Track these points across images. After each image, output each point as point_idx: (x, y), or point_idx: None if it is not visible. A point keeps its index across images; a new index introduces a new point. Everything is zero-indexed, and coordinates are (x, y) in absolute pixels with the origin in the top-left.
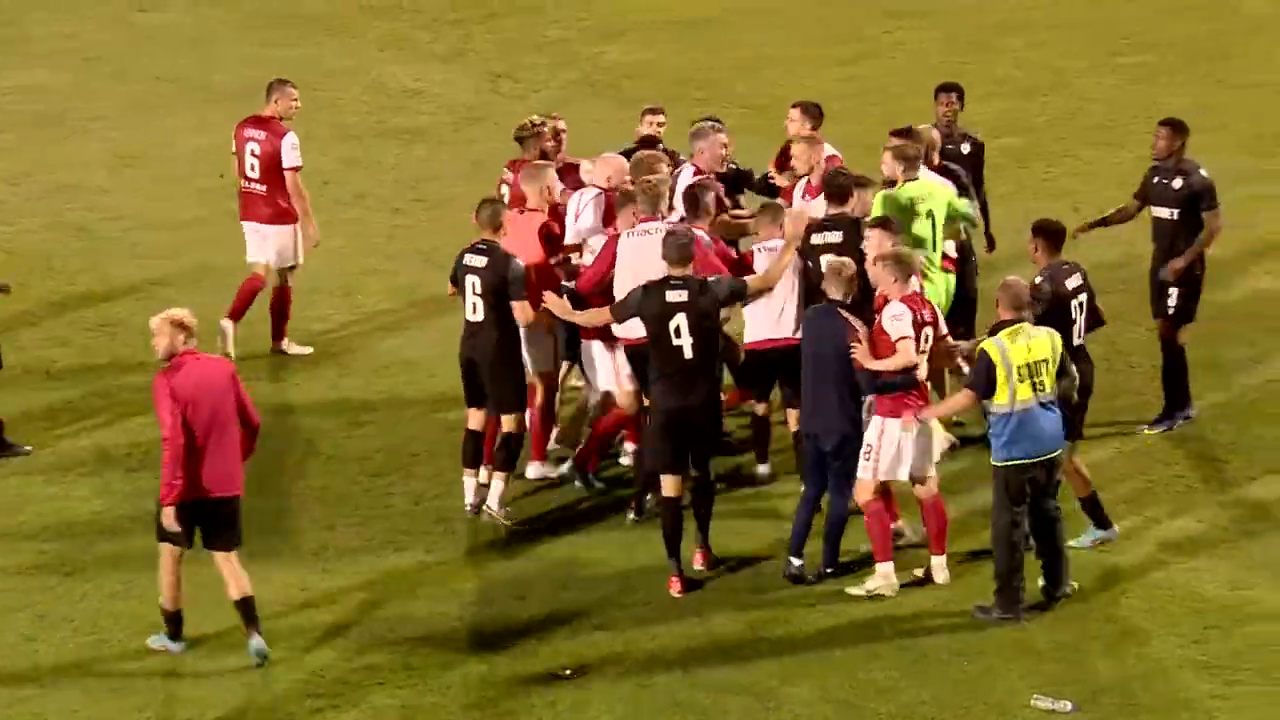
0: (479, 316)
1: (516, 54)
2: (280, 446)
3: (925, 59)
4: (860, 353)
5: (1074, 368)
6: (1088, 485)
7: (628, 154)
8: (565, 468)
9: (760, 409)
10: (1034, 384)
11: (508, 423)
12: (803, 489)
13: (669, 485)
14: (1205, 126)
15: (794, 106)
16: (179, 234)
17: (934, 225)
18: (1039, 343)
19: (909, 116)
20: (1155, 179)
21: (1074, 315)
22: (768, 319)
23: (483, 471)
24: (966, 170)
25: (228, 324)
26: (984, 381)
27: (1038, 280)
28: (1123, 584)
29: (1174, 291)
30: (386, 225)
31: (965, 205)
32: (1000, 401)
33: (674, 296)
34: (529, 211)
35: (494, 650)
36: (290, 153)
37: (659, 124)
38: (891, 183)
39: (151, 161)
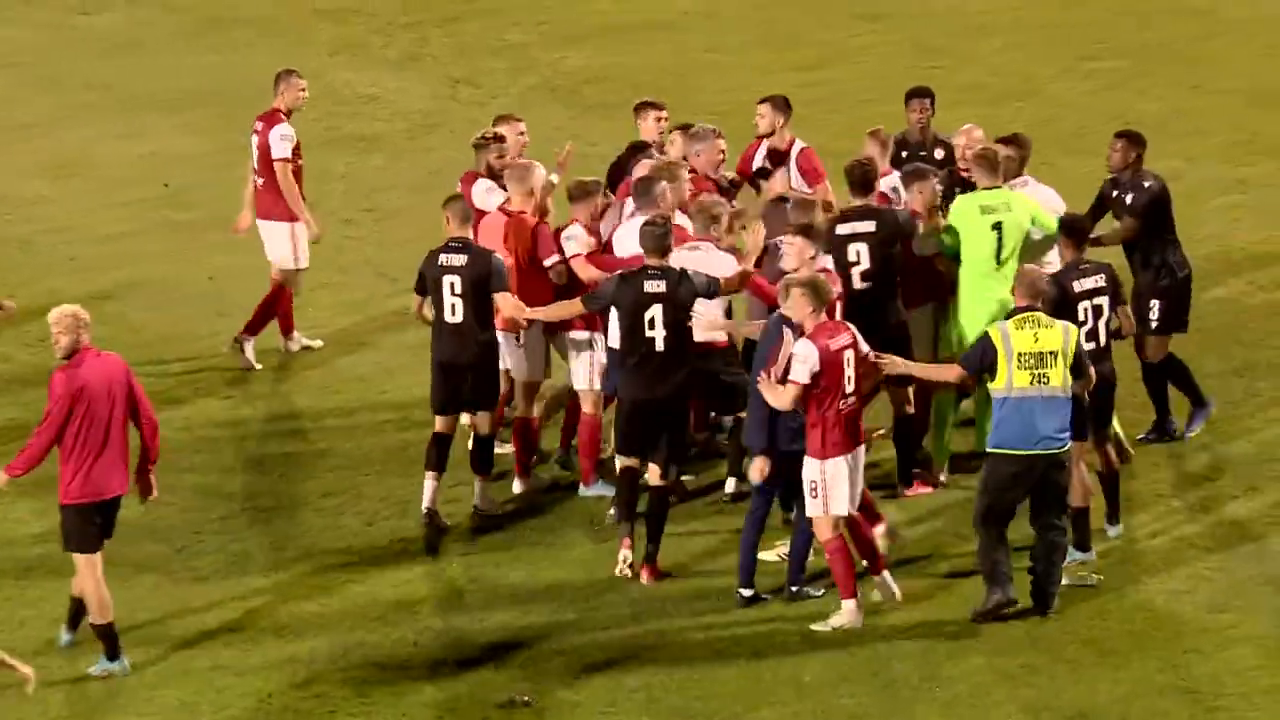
0: (458, 318)
1: (474, 59)
2: (229, 465)
3: (891, 64)
4: (764, 384)
5: (1090, 369)
6: (1084, 496)
7: (624, 159)
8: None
9: None
10: (1035, 375)
11: (483, 424)
12: (750, 506)
13: (628, 463)
14: (1180, 133)
15: (761, 102)
16: (118, 245)
17: (1000, 237)
18: (1049, 334)
19: (874, 122)
20: (1114, 193)
21: (1084, 318)
22: None
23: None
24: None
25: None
26: (976, 361)
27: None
28: (1100, 605)
29: (1155, 304)
30: (337, 237)
31: (1049, 218)
32: (997, 386)
33: (652, 287)
34: (516, 215)
35: (452, 676)
36: (278, 143)
37: (663, 119)
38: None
39: (88, 171)
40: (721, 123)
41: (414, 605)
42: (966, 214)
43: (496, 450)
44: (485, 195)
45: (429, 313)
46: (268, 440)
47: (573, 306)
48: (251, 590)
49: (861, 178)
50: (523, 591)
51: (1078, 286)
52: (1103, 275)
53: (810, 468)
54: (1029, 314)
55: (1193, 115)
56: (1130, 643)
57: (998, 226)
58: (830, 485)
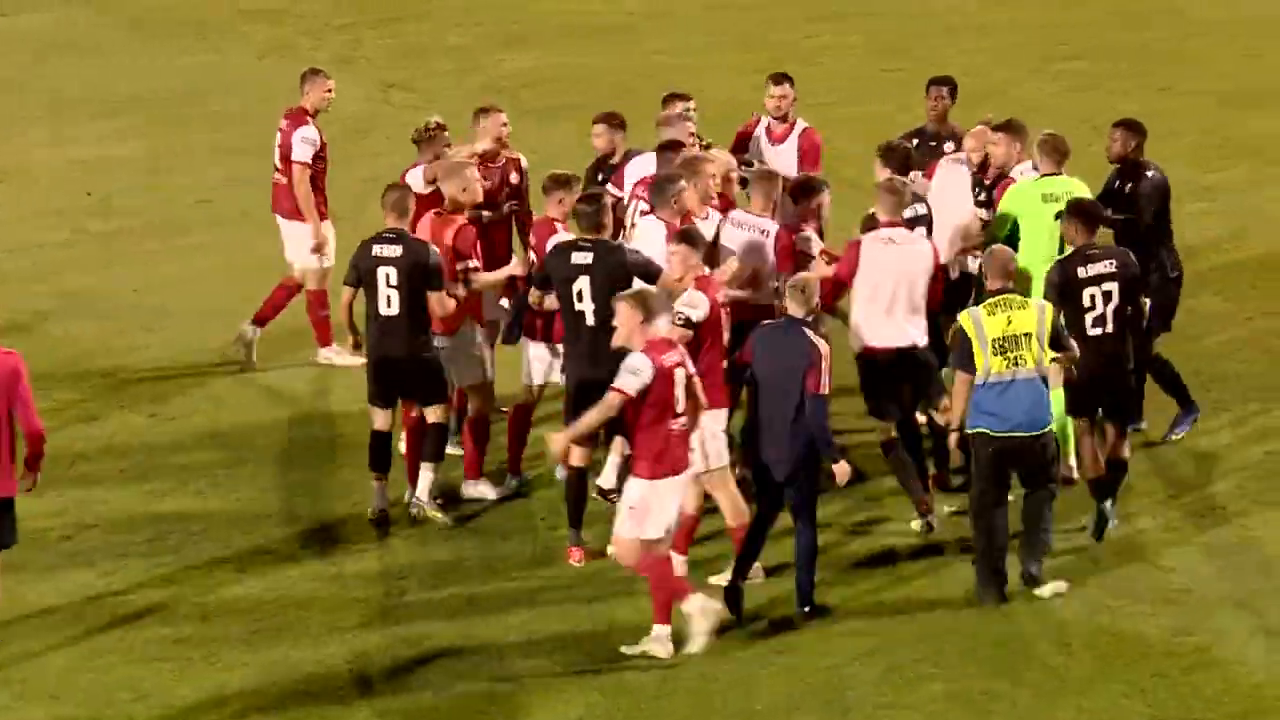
0: (393, 310)
1: (410, 62)
2: (155, 485)
3: (850, 66)
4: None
5: (1071, 342)
6: (1095, 468)
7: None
8: (512, 483)
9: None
10: (1011, 358)
11: (434, 413)
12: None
13: (575, 455)
14: (1151, 135)
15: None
16: (44, 255)
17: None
18: (1021, 316)
19: (834, 125)
20: (1117, 182)
21: (1090, 304)
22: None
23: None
24: None
25: (251, 329)
26: (959, 354)
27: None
28: (1063, 629)
29: (1145, 302)
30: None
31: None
32: (978, 370)
33: (579, 258)
34: (448, 214)
35: (385, 696)
36: (299, 145)
37: (692, 109)
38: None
39: (13, 178)
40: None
41: (346, 629)
42: (1029, 202)
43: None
44: (417, 181)
45: (359, 307)
46: (195, 456)
47: (512, 269)
48: (177, 614)
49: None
50: (462, 613)
51: (1084, 272)
52: (1113, 261)
53: (635, 487)
54: (1001, 297)
55: (1164, 117)
56: (1094, 667)
57: (1060, 216)
58: (654, 509)
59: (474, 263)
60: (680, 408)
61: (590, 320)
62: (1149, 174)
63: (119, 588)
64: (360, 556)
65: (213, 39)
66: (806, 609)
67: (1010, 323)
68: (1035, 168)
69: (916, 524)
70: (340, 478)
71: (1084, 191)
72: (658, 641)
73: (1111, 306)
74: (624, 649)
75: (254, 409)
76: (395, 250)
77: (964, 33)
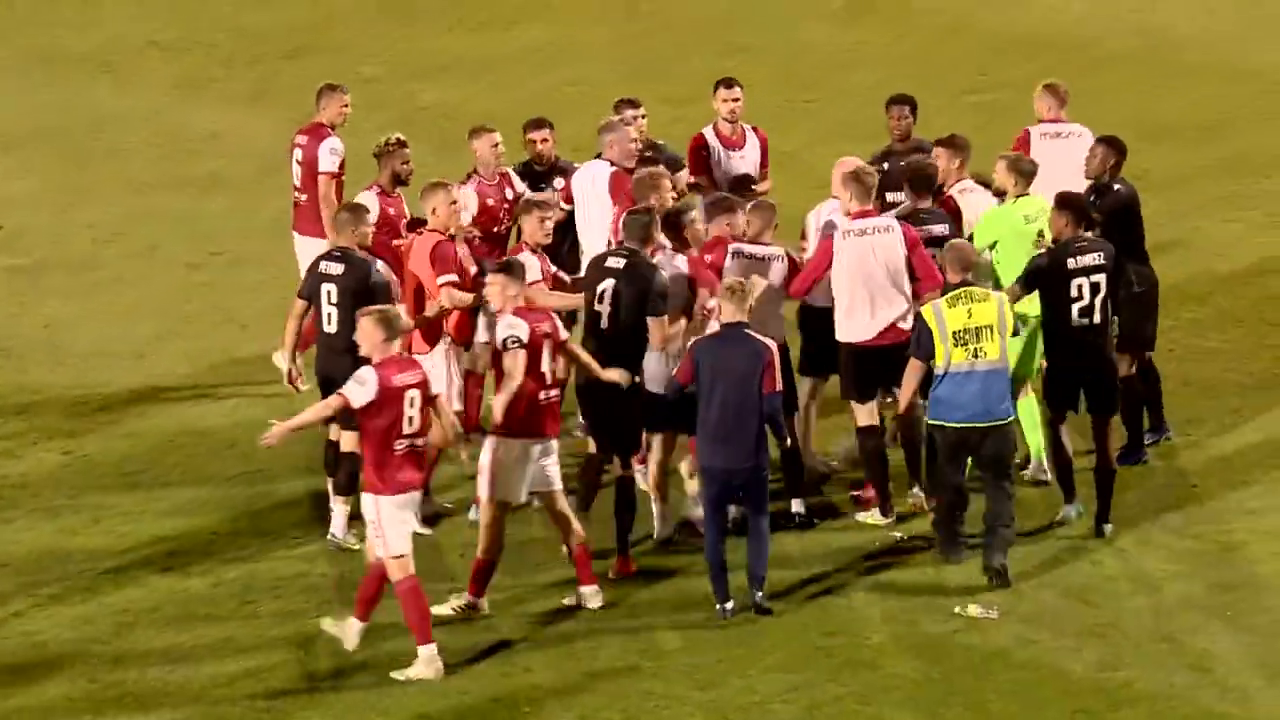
0: (333, 328)
1: None
2: (66, 525)
3: (761, 98)
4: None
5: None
6: (1061, 457)
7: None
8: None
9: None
10: (972, 350)
11: (348, 440)
12: (706, 532)
13: (596, 462)
14: None
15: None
16: None
17: (1043, 245)
18: (982, 309)
19: None
20: (1091, 198)
21: (1078, 294)
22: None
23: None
24: None
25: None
26: (923, 347)
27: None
28: (986, 664)
29: (1114, 319)
30: (181, 282)
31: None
32: (936, 362)
33: (611, 263)
34: (428, 232)
35: None
36: (326, 156)
37: (642, 115)
38: (1001, 194)
39: None
40: (586, 157)
41: (264, 669)
42: (1010, 224)
43: None
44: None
45: (307, 321)
46: (106, 497)
47: (576, 298)
48: (89, 658)
49: (925, 179)
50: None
51: (1074, 263)
52: (1102, 254)
53: (367, 504)
54: (962, 290)
55: None
56: (1017, 704)
57: (1041, 235)
58: (388, 524)
59: (453, 278)
60: (414, 428)
61: (604, 323)
62: (1115, 188)
63: (31, 628)
64: (278, 594)
65: (120, 72)
66: (760, 598)
67: (971, 315)
68: (987, 185)
69: (881, 520)
70: (259, 512)
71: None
72: (425, 663)
73: (1099, 298)
74: (393, 675)
75: (169, 445)
76: (338, 268)
77: (872, 66)
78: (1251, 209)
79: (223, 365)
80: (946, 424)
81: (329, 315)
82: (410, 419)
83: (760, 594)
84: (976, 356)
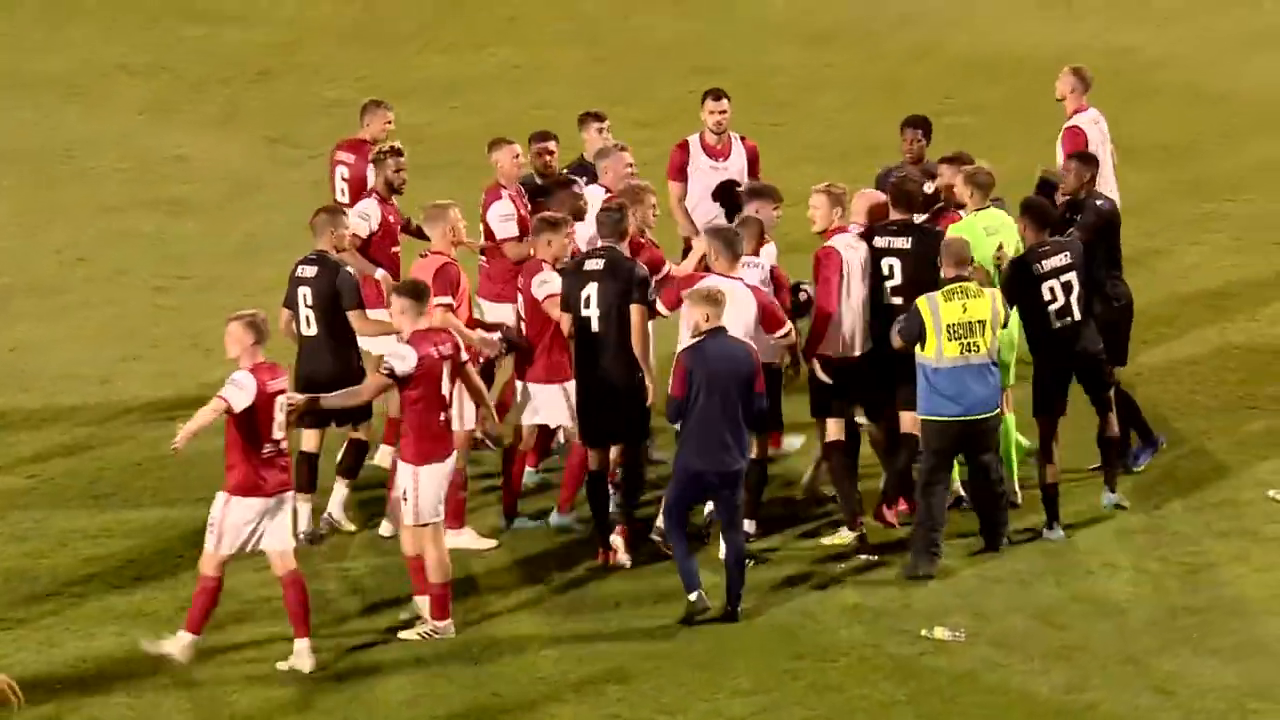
0: (313, 330)
1: (292, 117)
2: (32, 548)
3: (730, 120)
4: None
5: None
6: (1054, 474)
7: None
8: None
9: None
10: (964, 344)
11: (360, 432)
12: (674, 539)
13: (591, 458)
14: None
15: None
16: None
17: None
18: (977, 304)
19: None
20: (1068, 214)
21: (1051, 296)
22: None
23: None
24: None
25: None
26: (911, 331)
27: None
28: (952, 686)
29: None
30: (149, 306)
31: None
32: (928, 355)
33: (590, 265)
34: (432, 254)
35: None
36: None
37: (605, 129)
38: (960, 207)
39: None
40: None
41: (234, 693)
42: (974, 235)
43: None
44: (359, 220)
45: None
46: (71, 522)
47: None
48: (63, 680)
49: (905, 195)
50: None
51: (1040, 267)
52: (1068, 253)
53: (217, 504)
54: (958, 284)
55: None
56: None
57: (1001, 247)
58: (225, 525)
59: (453, 300)
60: (278, 434)
61: (595, 327)
62: (1097, 203)
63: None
64: (243, 616)
65: (89, 95)
66: (732, 609)
67: (965, 310)
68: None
69: (848, 536)
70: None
71: (1012, 225)
72: (179, 644)
73: (1074, 295)
74: (279, 665)
75: (136, 468)
76: (312, 271)
77: (839, 89)
78: (1217, 231)
79: (190, 389)
80: (941, 418)
81: (307, 318)
82: (279, 424)
83: (734, 608)
84: (969, 351)
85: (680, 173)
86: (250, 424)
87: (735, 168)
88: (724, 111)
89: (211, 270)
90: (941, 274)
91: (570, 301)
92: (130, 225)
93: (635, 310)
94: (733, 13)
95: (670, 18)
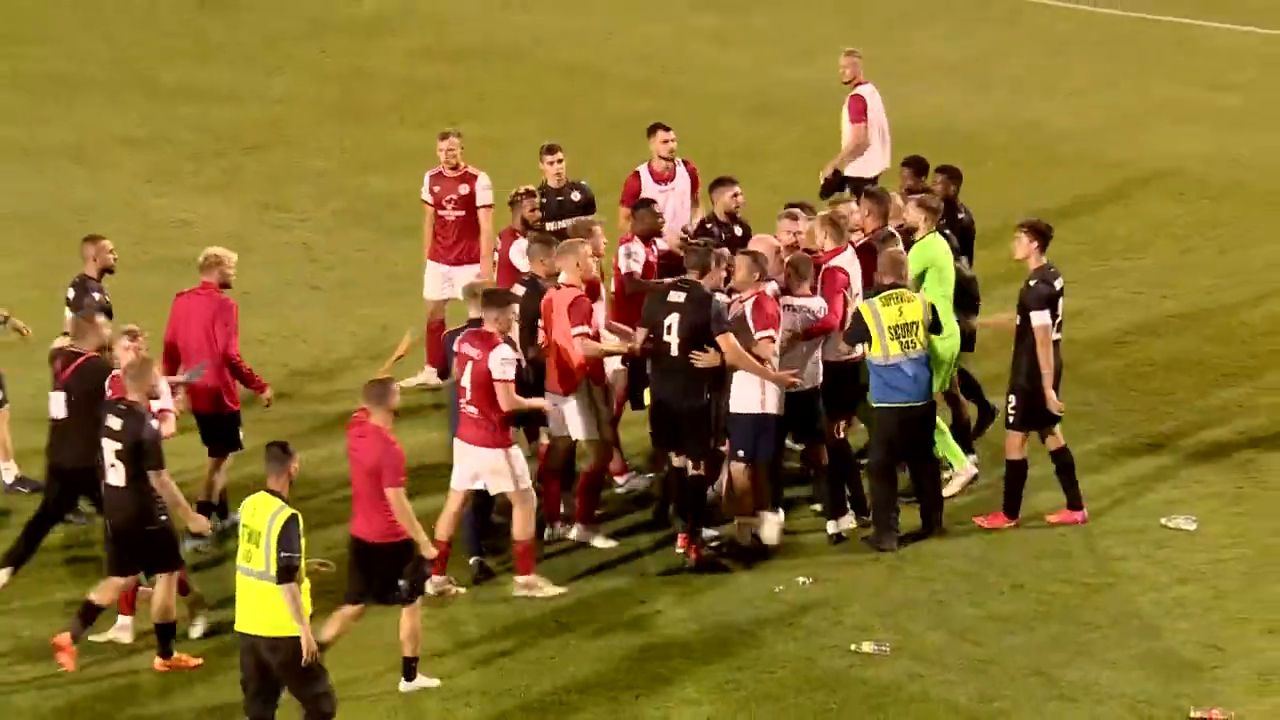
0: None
1: (282, 184)
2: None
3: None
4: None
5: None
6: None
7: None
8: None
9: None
10: (904, 342)
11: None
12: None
13: (670, 460)
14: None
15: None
16: None
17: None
18: (910, 308)
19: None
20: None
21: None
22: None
23: None
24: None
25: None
26: (854, 333)
27: (1032, 283)
28: (881, 696)
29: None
30: (153, 354)
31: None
32: (875, 354)
33: (674, 297)
34: (565, 287)
35: None
36: (483, 192)
37: (559, 161)
38: (910, 232)
39: None
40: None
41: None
42: (945, 254)
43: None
44: (520, 256)
45: None
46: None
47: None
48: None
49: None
50: None
51: (1057, 285)
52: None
53: (505, 456)
54: (893, 291)
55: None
56: None
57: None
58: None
59: (589, 329)
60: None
61: (675, 352)
62: (959, 215)
63: None
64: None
65: (96, 164)
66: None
67: (902, 313)
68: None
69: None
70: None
71: (947, 248)
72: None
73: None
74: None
75: None
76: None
77: (782, 156)
78: (1113, 286)
79: (189, 424)
80: (890, 405)
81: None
82: None
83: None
84: (908, 348)
85: (633, 198)
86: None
87: (680, 188)
88: (672, 139)
89: None
90: (879, 280)
91: (652, 323)
92: (136, 282)
93: (724, 340)
94: (682, 91)
95: (624, 97)
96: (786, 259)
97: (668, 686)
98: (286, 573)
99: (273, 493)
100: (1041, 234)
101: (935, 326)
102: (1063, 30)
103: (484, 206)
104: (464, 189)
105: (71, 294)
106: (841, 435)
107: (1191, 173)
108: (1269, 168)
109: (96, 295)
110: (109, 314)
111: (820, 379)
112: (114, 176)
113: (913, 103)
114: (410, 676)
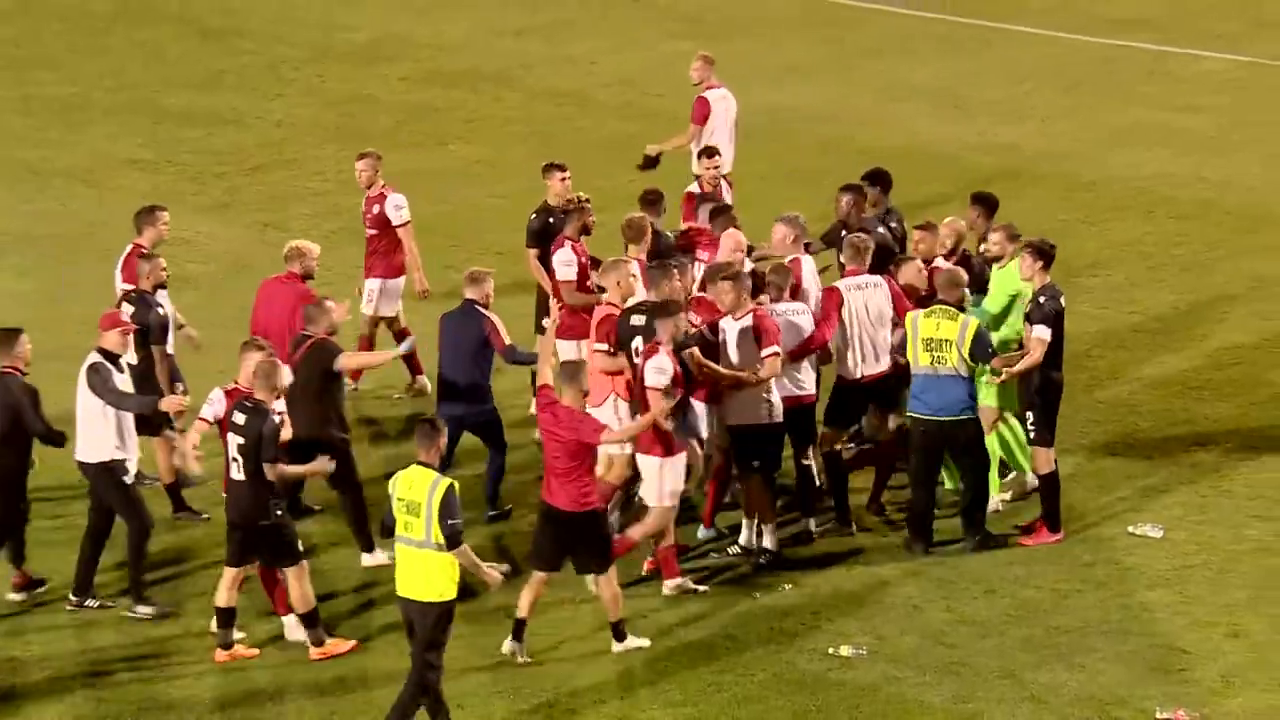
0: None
1: (281, 205)
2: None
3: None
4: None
5: (991, 356)
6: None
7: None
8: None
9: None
10: (934, 356)
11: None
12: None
13: (827, 438)
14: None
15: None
16: None
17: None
18: (948, 325)
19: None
20: (879, 227)
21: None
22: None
23: None
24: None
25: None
26: (900, 343)
27: (1041, 300)
28: (858, 698)
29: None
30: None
31: None
32: (911, 362)
33: (635, 321)
34: (606, 304)
35: None
36: (395, 211)
37: (567, 179)
38: (997, 259)
39: None
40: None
41: None
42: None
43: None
44: (565, 268)
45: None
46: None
47: (618, 361)
48: None
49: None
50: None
51: (1062, 302)
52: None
53: (657, 463)
54: (938, 306)
55: None
56: None
57: None
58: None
59: (603, 346)
60: None
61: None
62: (893, 225)
63: None
64: (184, 679)
65: (102, 185)
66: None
67: (938, 328)
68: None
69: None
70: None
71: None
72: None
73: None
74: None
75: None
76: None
77: (766, 175)
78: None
79: None
80: (917, 415)
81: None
82: None
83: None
84: (937, 363)
85: (693, 215)
86: None
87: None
88: (717, 167)
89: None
90: (938, 295)
91: (625, 347)
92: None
93: (689, 356)
94: (664, 114)
95: (612, 120)
96: (766, 271)
97: (651, 689)
98: (453, 540)
99: (426, 464)
100: (1045, 254)
101: (985, 353)
102: (1034, 57)
103: (400, 225)
104: (376, 209)
105: (130, 309)
106: (837, 447)
107: (1159, 193)
108: (1234, 187)
109: (160, 310)
110: (171, 327)
111: (814, 390)
112: (120, 197)
113: (892, 128)
114: (620, 637)
